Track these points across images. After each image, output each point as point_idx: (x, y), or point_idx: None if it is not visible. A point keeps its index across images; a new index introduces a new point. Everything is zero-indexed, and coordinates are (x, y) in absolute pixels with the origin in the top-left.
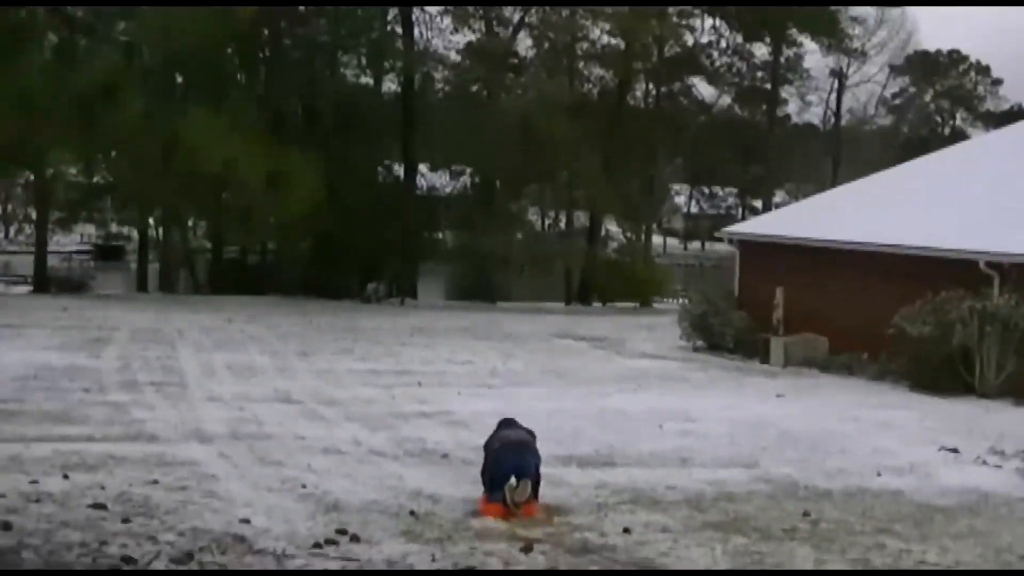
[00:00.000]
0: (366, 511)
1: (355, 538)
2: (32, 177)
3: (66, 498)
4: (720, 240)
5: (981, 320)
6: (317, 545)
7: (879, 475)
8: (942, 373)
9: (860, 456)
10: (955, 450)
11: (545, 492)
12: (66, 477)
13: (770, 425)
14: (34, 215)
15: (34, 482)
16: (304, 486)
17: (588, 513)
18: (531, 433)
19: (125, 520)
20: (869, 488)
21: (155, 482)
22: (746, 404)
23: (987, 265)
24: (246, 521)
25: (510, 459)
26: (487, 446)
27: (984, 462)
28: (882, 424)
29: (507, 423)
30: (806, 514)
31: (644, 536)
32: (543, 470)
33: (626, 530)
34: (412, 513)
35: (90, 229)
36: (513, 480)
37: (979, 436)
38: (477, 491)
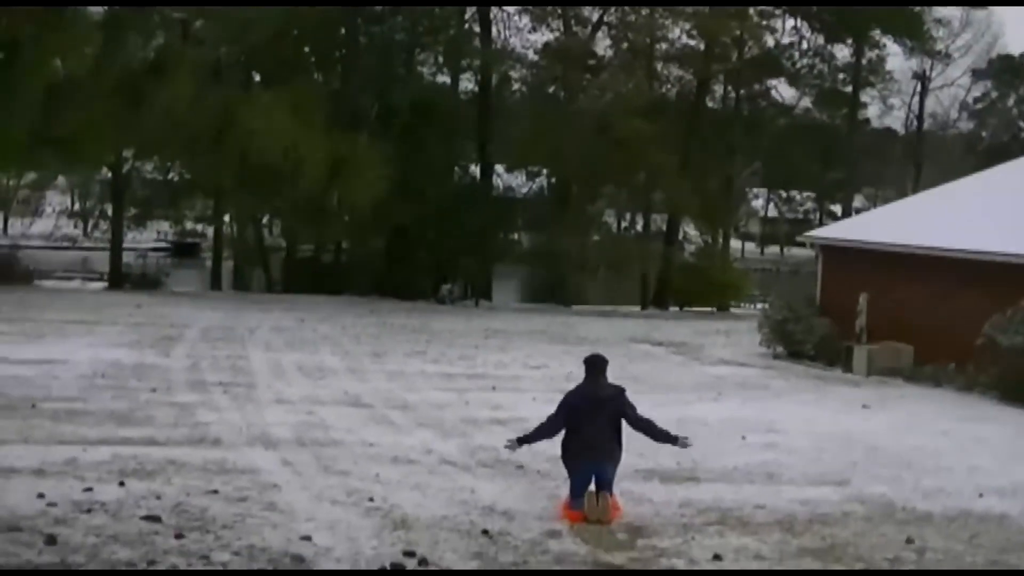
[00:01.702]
0: (436, 528)
1: (423, 561)
2: (108, 173)
3: (119, 508)
4: (799, 245)
5: None
6: (383, 570)
7: (981, 496)
8: None
9: (957, 474)
10: None
11: (627, 510)
12: (122, 484)
13: (857, 438)
14: (110, 211)
15: (88, 489)
16: (371, 499)
17: (674, 535)
18: (619, 391)
19: (179, 535)
20: (972, 511)
21: (215, 492)
22: (831, 415)
23: None
24: (307, 538)
25: (586, 466)
26: (565, 402)
27: None
28: (975, 439)
29: (593, 366)
30: (909, 541)
31: (736, 563)
32: (624, 484)
33: (716, 556)
34: (485, 532)
35: (165, 226)
36: (593, 492)
37: None
38: (554, 507)
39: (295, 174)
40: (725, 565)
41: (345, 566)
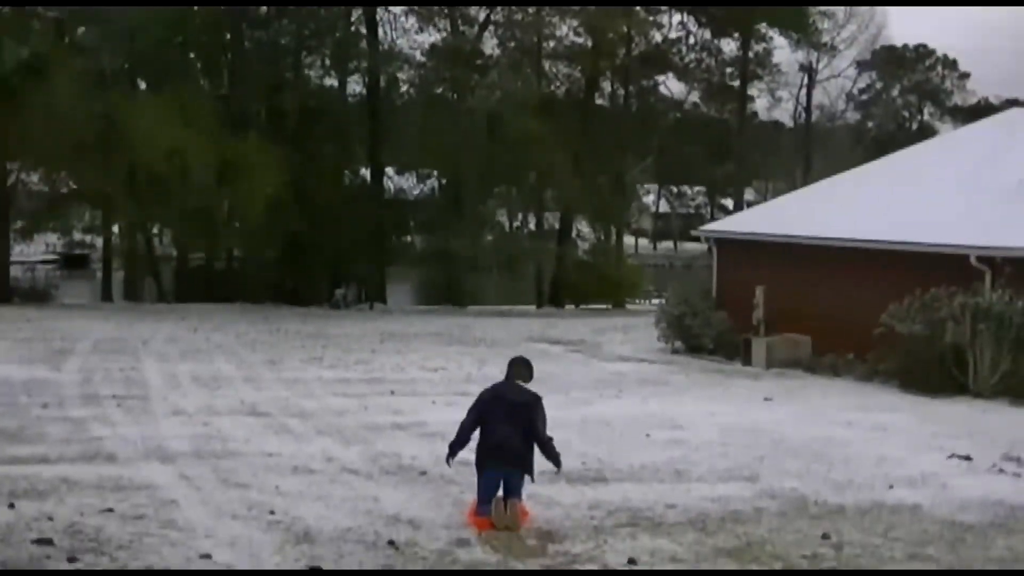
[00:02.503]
0: (340, 541)
1: None
2: None
3: (9, 532)
4: (692, 240)
5: (974, 317)
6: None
7: (891, 487)
8: (933, 372)
9: (866, 465)
10: (968, 457)
11: (536, 514)
12: (11, 506)
13: (763, 432)
14: None
15: None
16: (272, 512)
17: (586, 539)
18: (535, 399)
19: (71, 559)
20: (884, 503)
21: (110, 510)
22: (734, 409)
23: (978, 260)
24: (207, 556)
25: (493, 471)
26: (479, 398)
27: (1000, 470)
28: (879, 428)
29: (512, 367)
30: (825, 536)
31: (652, 567)
32: (531, 487)
33: (631, 560)
34: (391, 543)
35: (54, 238)
36: (500, 498)
37: (986, 441)
38: (460, 514)
39: (183, 180)
40: (640, 569)
41: None
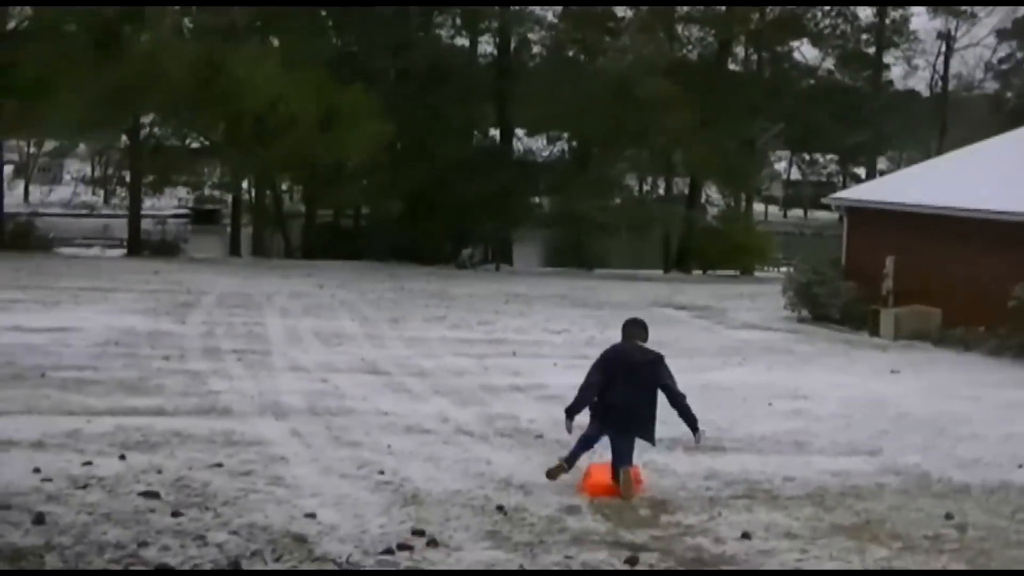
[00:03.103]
0: (448, 504)
1: (433, 542)
2: (126, 139)
3: (117, 483)
4: (822, 208)
5: None
6: (388, 551)
7: (1020, 467)
8: None
9: (993, 443)
10: None
11: (651, 482)
12: (123, 458)
13: (887, 404)
14: (128, 178)
15: (87, 463)
16: (382, 472)
17: (699, 511)
18: (658, 357)
19: (175, 513)
20: (1012, 483)
21: (219, 465)
22: (858, 380)
23: None
24: (311, 516)
25: (597, 431)
26: (603, 356)
27: None
28: (1008, 405)
29: (627, 329)
30: (948, 516)
31: (766, 543)
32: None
33: (745, 535)
34: (500, 509)
35: (184, 193)
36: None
37: None
38: (574, 479)
39: (280, 126)
40: (754, 544)
41: (349, 546)
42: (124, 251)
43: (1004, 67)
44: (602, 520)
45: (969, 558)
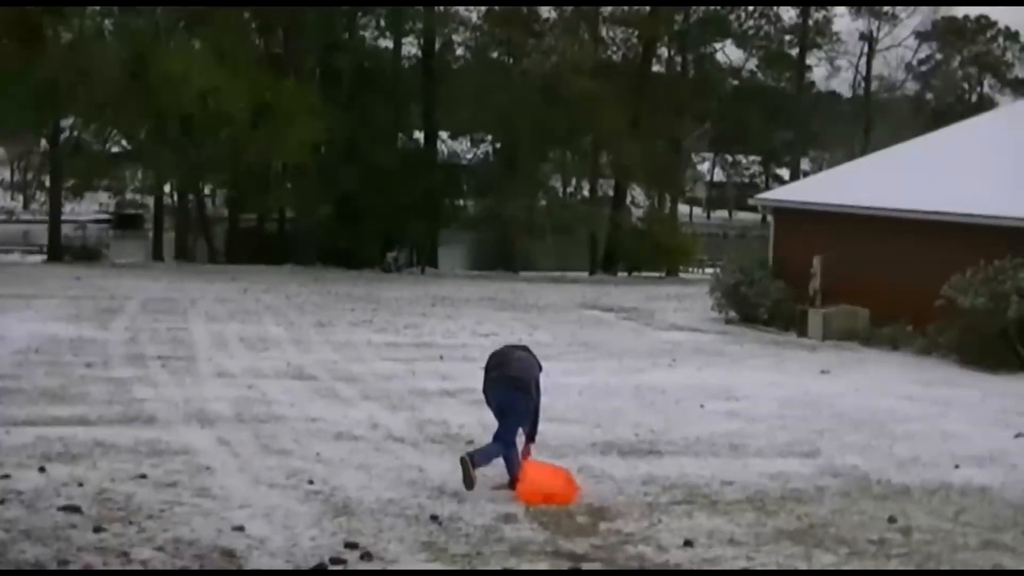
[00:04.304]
0: (381, 515)
1: (367, 555)
2: (46, 143)
3: (36, 498)
4: (746, 209)
5: None
6: (319, 568)
7: (957, 467)
8: (995, 348)
9: (930, 442)
10: None
11: (588, 489)
12: (43, 470)
13: (822, 405)
14: (48, 182)
15: (5, 476)
16: (311, 481)
17: (639, 517)
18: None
19: (97, 528)
20: (952, 483)
21: (143, 476)
22: (791, 380)
23: None
24: (240, 529)
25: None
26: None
27: None
28: (941, 403)
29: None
30: (892, 519)
31: (710, 551)
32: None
33: (688, 542)
34: (434, 518)
35: (106, 197)
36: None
37: None
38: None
39: (210, 124)
40: (698, 552)
41: (279, 561)
42: (44, 257)
43: (924, 68)
44: (540, 529)
45: (918, 562)
